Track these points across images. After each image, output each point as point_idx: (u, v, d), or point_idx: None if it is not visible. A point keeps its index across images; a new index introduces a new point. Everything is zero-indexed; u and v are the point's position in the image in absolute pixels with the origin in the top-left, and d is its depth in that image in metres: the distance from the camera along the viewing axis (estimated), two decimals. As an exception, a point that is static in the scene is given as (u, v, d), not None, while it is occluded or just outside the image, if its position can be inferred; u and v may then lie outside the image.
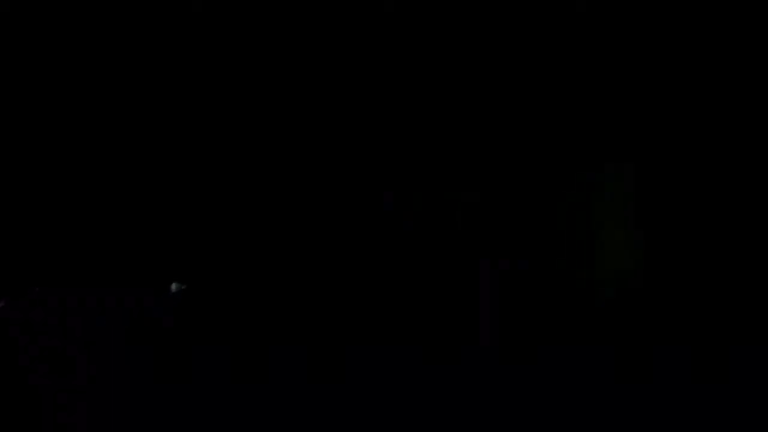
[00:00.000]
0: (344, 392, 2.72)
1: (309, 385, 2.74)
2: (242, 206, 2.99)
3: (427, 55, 2.97)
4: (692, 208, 3.14)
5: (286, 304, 2.87)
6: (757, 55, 3.08)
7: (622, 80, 3.11)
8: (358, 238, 2.97)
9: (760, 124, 3.08)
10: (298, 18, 2.92)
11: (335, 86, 2.99)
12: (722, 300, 3.06)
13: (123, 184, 2.96)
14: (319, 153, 3.00)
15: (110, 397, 2.32)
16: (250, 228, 2.96)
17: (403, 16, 2.94)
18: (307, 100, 3.00)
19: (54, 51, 2.96)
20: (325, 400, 2.71)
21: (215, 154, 2.98)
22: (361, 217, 2.97)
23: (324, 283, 2.93)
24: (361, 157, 3.00)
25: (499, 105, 3.05)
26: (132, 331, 2.36)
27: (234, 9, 2.89)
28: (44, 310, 2.30)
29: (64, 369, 2.27)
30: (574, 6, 3.02)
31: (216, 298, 2.93)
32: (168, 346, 2.45)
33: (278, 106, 3.00)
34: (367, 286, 2.95)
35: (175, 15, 2.91)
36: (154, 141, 2.98)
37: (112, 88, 2.97)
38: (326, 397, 2.72)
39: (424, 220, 3.01)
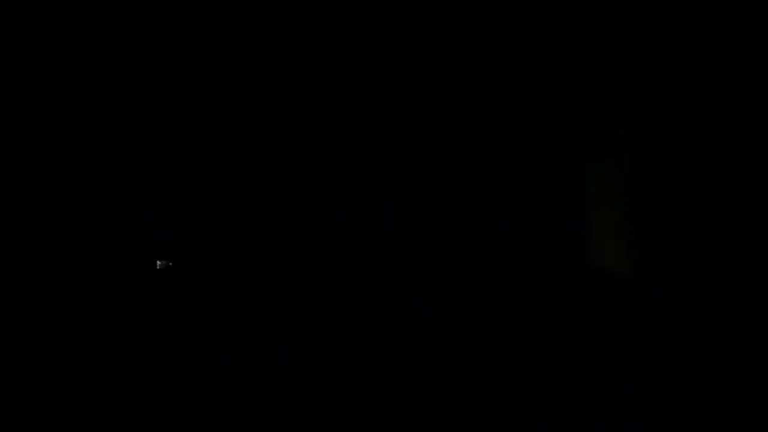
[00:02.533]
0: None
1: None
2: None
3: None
4: (687, 204, 3.13)
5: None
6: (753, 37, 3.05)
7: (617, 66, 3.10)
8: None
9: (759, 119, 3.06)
10: (299, 18, 2.92)
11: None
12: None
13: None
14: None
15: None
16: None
17: (399, 18, 2.93)
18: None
19: (52, 50, 2.98)
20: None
21: (214, 149, 3.01)
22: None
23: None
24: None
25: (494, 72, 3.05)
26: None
27: (234, 9, 2.89)
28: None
29: None
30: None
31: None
32: None
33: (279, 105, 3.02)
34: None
35: (175, 14, 2.92)
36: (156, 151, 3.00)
37: (120, 87, 2.99)
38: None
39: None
